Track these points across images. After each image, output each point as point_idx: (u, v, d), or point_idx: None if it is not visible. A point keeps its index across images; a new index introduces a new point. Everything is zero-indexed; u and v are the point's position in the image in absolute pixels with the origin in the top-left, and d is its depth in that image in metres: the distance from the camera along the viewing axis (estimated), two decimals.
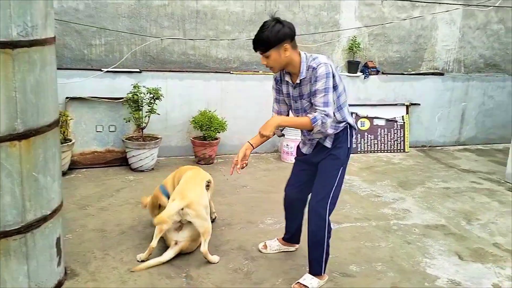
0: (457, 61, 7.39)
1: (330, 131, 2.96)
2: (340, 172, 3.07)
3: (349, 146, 3.09)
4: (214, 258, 3.48)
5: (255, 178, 5.48)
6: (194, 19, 6.01)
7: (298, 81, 2.89)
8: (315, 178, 3.16)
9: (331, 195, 3.03)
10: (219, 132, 5.81)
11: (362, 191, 5.19)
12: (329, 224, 3.08)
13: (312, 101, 2.88)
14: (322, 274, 3.20)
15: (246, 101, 6.23)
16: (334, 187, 3.04)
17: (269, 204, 4.65)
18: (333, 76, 2.84)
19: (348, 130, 3.07)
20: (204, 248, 3.38)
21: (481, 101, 7.43)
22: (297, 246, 3.75)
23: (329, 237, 3.12)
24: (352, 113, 6.66)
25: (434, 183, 5.57)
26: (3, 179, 2.54)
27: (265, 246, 3.72)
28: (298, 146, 3.41)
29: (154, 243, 3.39)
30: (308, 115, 2.89)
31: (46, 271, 2.90)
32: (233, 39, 6.16)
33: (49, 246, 2.91)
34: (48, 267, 2.92)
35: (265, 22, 2.77)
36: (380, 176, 5.73)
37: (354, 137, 3.15)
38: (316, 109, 2.85)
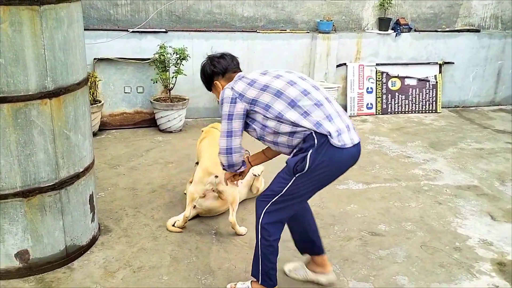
0: (494, 16, 7.05)
1: (284, 149, 2.41)
2: (290, 182, 2.32)
3: (308, 157, 2.22)
4: (241, 229, 3.35)
5: None
6: None
7: None
8: None
9: (275, 199, 2.38)
10: None
11: (392, 152, 5.11)
12: (263, 229, 2.44)
13: None
14: (259, 281, 2.55)
15: (273, 61, 6.13)
16: (281, 194, 2.36)
17: None
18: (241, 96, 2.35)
19: (314, 140, 2.22)
20: (232, 218, 3.26)
21: None
22: (324, 256, 2.81)
23: (265, 245, 2.47)
24: (382, 73, 6.54)
25: (467, 144, 5.44)
26: (36, 137, 2.59)
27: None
28: None
29: (188, 212, 3.31)
30: None
31: (80, 227, 2.99)
32: None
33: (83, 203, 2.99)
34: (83, 223, 3.01)
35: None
36: (410, 137, 5.62)
37: (323, 150, 2.21)
38: None
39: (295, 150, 2.33)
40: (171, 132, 5.51)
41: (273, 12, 6.19)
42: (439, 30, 6.82)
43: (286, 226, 2.61)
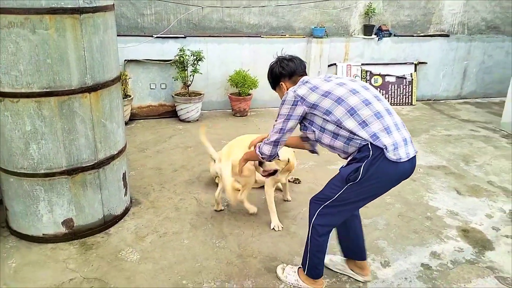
0: (461, 24, 6.94)
1: (341, 154, 2.19)
2: (342, 189, 2.10)
3: (362, 168, 1.98)
4: (251, 207, 3.14)
5: None
6: None
7: None
8: None
9: (327, 203, 2.18)
10: (251, 89, 5.74)
11: None
12: (314, 228, 2.27)
13: None
14: (304, 271, 2.40)
15: None
16: (333, 200, 2.15)
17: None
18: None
19: (369, 152, 1.97)
20: (240, 196, 3.06)
21: (481, 60, 7.01)
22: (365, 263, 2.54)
23: (314, 243, 2.30)
24: (367, 71, 6.46)
25: (437, 131, 5.40)
26: (78, 125, 2.60)
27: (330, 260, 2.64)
28: None
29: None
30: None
31: (116, 199, 3.02)
32: (264, 6, 5.94)
33: (117, 180, 3.01)
34: (118, 196, 3.03)
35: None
36: None
37: (377, 162, 1.97)
38: None
39: (349, 158, 2.10)
40: (189, 121, 5.50)
41: (274, 20, 6.11)
42: (415, 35, 6.72)
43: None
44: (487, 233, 3.07)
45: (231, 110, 5.91)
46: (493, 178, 4.00)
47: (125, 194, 3.15)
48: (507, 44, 7.01)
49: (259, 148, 2.32)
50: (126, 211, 3.17)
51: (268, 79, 2.41)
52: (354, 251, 2.50)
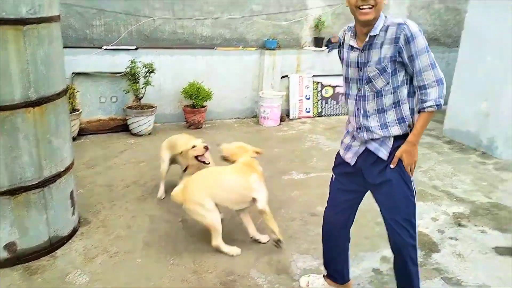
0: None
1: (394, 130, 1.95)
2: (414, 189, 2.04)
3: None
4: (231, 250, 2.90)
5: (238, 139, 5.42)
6: (182, 1, 5.80)
7: (367, 41, 1.86)
8: (359, 201, 2.30)
9: (415, 223, 2.06)
10: (206, 101, 5.74)
11: (326, 147, 5.24)
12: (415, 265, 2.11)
13: (413, 71, 1.86)
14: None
15: (228, 73, 6.13)
16: (415, 215, 2.05)
17: None
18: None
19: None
20: (214, 242, 2.85)
21: None
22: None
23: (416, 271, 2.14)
24: (318, 82, 6.67)
25: None
26: (21, 141, 2.49)
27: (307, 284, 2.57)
28: (338, 152, 2.27)
29: None
30: (423, 102, 1.87)
31: (63, 220, 2.89)
32: (217, 18, 5.99)
33: (64, 198, 2.89)
34: (65, 216, 2.91)
35: None
36: (341, 135, 5.60)
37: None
38: (419, 86, 1.87)
39: (389, 142, 1.98)
40: (141, 135, 5.40)
41: (227, 32, 6.18)
42: None
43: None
44: (433, 236, 3.24)
45: (185, 122, 5.87)
46: (437, 182, 4.24)
47: (73, 214, 3.03)
48: (447, 55, 7.49)
49: (438, 98, 1.87)
50: (74, 232, 3.05)
51: None
52: (342, 273, 2.44)
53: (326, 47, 6.68)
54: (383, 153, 1.99)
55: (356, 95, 1.98)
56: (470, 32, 5.49)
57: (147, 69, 5.26)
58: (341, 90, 6.82)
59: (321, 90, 6.71)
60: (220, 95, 6.07)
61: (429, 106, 1.88)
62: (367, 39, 1.86)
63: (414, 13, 7.28)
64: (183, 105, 5.83)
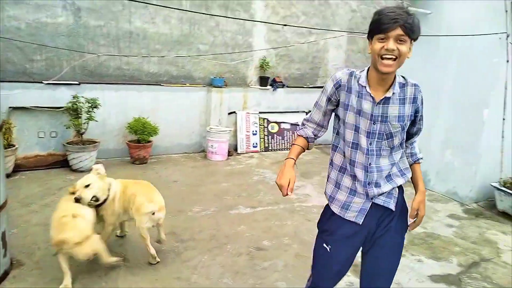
0: None
1: (399, 181, 1.92)
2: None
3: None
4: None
5: (185, 174, 5.42)
6: (128, 39, 5.82)
7: (388, 96, 1.79)
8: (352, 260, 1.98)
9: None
10: (152, 136, 5.68)
11: (272, 181, 5.34)
12: None
13: (415, 129, 1.96)
14: None
15: (175, 109, 6.15)
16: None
17: (196, 195, 4.63)
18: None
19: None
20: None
21: None
22: None
23: None
24: (264, 119, 6.86)
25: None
26: None
27: None
28: (327, 209, 2.01)
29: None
30: (416, 155, 2.02)
31: None
32: (163, 56, 6.05)
33: None
34: None
35: (402, 7, 1.75)
36: None
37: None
38: (413, 141, 2.02)
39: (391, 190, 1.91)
40: (83, 171, 5.18)
41: (174, 70, 6.25)
42: (305, 86, 7.41)
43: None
44: None
45: (129, 158, 5.73)
46: None
47: (4, 256, 2.81)
48: None
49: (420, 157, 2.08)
50: (5, 275, 2.81)
51: (416, 25, 1.70)
52: None
53: (271, 86, 6.94)
54: (393, 205, 1.89)
55: (367, 149, 1.82)
56: (401, 72, 5.97)
57: (90, 104, 5.15)
58: (286, 126, 7.06)
59: (267, 126, 6.90)
60: (167, 130, 6.04)
61: (421, 158, 2.06)
62: (388, 94, 1.78)
63: (351, 56, 7.83)
64: (127, 140, 5.71)
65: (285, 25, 5.77)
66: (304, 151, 2.01)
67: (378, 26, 1.69)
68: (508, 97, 4.81)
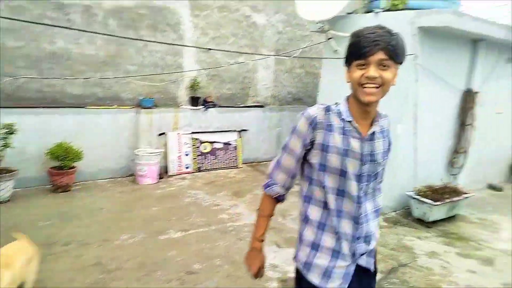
0: (273, 96, 8.12)
1: (377, 234, 1.69)
2: None
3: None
4: None
5: (112, 200, 5.20)
6: (50, 60, 5.54)
7: (375, 130, 1.57)
8: None
9: None
10: (75, 161, 5.40)
11: (205, 202, 5.31)
12: None
13: (379, 169, 1.62)
14: None
15: (102, 132, 5.91)
16: None
17: (124, 222, 4.46)
18: None
19: None
20: None
21: (291, 126, 8.21)
22: None
23: None
24: (196, 139, 6.84)
25: (260, 190, 5.90)
26: None
27: None
28: (300, 282, 1.67)
29: None
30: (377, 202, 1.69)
31: None
32: (88, 78, 5.83)
33: None
34: None
35: (383, 26, 1.46)
36: (219, 189, 5.93)
37: None
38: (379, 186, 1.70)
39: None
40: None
41: (100, 91, 6.04)
42: (236, 106, 7.52)
43: None
44: None
45: (51, 185, 5.38)
46: None
47: None
48: None
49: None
50: None
51: (400, 48, 1.46)
52: None
53: (202, 106, 6.95)
54: (373, 265, 1.64)
55: (358, 195, 1.54)
56: (324, 93, 6.32)
57: (7, 130, 4.80)
58: (218, 145, 7.08)
59: (199, 146, 6.88)
60: (93, 155, 5.79)
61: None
62: (375, 128, 1.56)
63: (280, 76, 8.12)
64: (49, 167, 5.37)
65: (210, 49, 5.90)
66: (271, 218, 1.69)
67: (356, 51, 1.44)
68: (418, 113, 5.27)
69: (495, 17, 6.15)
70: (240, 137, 7.37)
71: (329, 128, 1.52)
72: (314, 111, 1.55)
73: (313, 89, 8.42)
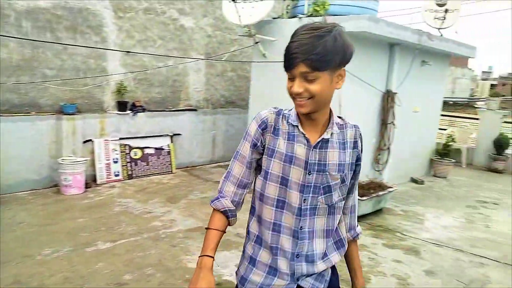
0: (205, 99, 8.08)
1: (334, 258, 1.52)
2: None
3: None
4: None
5: (33, 213, 4.83)
6: None
7: (325, 137, 1.41)
8: None
9: None
10: None
11: (136, 210, 5.12)
12: None
13: (350, 183, 1.51)
14: None
15: (19, 141, 5.46)
16: None
17: (46, 236, 4.16)
18: None
19: None
20: None
21: (225, 129, 8.25)
22: None
23: None
24: (126, 145, 6.60)
25: (195, 195, 5.90)
26: None
27: None
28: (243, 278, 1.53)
29: None
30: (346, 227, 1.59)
31: None
32: (1, 83, 5.37)
33: None
34: None
35: (316, 27, 1.29)
36: (152, 195, 5.76)
37: None
38: (352, 205, 1.60)
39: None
40: None
41: (16, 97, 5.59)
42: (167, 110, 7.37)
43: None
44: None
45: None
46: (240, 230, 4.61)
47: None
48: (243, 115, 8.50)
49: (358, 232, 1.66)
50: None
51: (323, 53, 1.27)
52: None
53: (130, 111, 6.72)
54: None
55: (300, 207, 1.40)
56: (255, 96, 6.43)
57: None
58: (150, 151, 6.89)
59: (129, 153, 6.63)
60: (9, 167, 5.33)
61: (360, 233, 1.64)
62: (326, 136, 1.40)
63: (211, 80, 8.11)
64: None
65: (128, 51, 5.72)
66: (223, 233, 1.50)
67: (284, 61, 1.33)
68: (343, 114, 5.56)
69: (409, 23, 6.69)
70: (172, 141, 7.24)
71: (276, 132, 1.42)
72: (266, 113, 1.45)
73: (246, 92, 8.52)
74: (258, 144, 1.44)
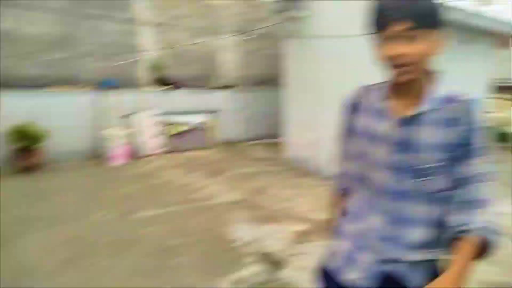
0: (240, 77, 8.00)
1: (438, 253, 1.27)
2: None
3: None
4: None
5: (80, 182, 4.96)
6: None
7: (415, 113, 1.21)
8: None
9: None
10: (41, 142, 5.12)
11: (178, 182, 5.17)
12: None
13: (425, 165, 1.21)
14: None
15: (67, 114, 5.68)
16: None
17: (93, 203, 4.28)
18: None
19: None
20: None
21: (260, 107, 8.11)
22: None
23: None
24: (165, 120, 6.66)
25: (235, 170, 5.89)
26: None
27: None
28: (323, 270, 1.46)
29: None
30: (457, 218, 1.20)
31: None
32: (44, 59, 5.51)
33: None
34: None
35: None
36: (193, 169, 5.81)
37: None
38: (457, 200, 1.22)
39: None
40: None
41: (60, 71, 5.73)
42: (204, 87, 7.35)
43: None
44: (279, 254, 3.44)
45: (14, 167, 5.07)
46: (280, 205, 4.56)
47: None
48: (276, 94, 8.22)
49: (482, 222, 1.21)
50: None
51: (435, 7, 1.14)
52: None
53: (169, 87, 6.73)
54: (415, 281, 1.27)
55: (386, 188, 1.27)
56: (291, 74, 6.26)
57: None
58: (189, 126, 6.92)
59: (169, 127, 6.71)
60: (58, 138, 5.51)
61: (483, 227, 1.18)
62: (422, 110, 1.20)
63: (246, 58, 7.98)
64: (12, 148, 5.06)
65: (161, 24, 5.65)
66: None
67: (374, 23, 1.17)
68: None
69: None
70: (211, 118, 7.25)
71: (362, 108, 1.34)
72: (352, 93, 1.38)
73: (280, 70, 8.40)
74: (350, 124, 1.40)
